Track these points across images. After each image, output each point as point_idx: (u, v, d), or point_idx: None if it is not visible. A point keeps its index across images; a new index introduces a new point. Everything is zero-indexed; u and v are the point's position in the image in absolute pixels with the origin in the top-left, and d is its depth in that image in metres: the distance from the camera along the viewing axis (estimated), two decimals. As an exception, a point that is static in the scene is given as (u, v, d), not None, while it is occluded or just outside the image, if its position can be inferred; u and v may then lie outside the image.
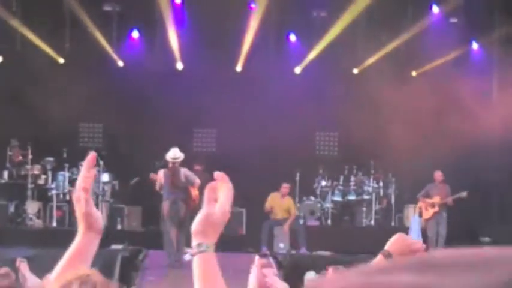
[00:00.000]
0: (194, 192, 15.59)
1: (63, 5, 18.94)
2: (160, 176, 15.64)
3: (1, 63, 19.59)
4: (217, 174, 2.37)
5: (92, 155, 2.63)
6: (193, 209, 15.24)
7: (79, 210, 2.61)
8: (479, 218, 18.53)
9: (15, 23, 19.00)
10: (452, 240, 17.18)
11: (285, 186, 18.04)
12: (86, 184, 2.60)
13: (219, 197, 2.33)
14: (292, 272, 14.85)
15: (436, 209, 17.64)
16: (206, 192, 2.33)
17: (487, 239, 18.23)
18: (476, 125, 18.72)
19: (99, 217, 2.72)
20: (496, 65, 19.84)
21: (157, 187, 15.81)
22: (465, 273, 0.81)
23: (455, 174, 17.78)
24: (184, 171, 15.69)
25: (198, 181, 15.55)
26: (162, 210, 15.80)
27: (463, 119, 18.64)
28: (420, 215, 18.11)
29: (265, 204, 17.99)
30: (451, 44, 19.52)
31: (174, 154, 15.50)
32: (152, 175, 16.04)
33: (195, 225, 2.30)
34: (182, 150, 18.58)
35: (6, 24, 18.88)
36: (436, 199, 17.65)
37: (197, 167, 17.56)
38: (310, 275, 12.43)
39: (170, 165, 15.45)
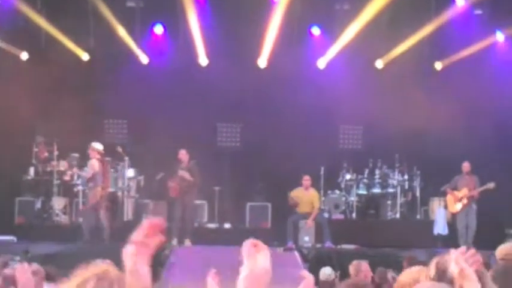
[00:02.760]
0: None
1: (87, 2, 19.01)
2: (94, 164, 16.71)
3: (26, 60, 19.71)
4: (251, 242, 2.32)
5: (152, 223, 2.43)
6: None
7: (126, 267, 2.43)
8: (507, 209, 18.41)
9: (39, 20, 19.11)
10: (480, 232, 17.11)
11: (306, 179, 18.01)
12: (141, 251, 2.41)
13: (258, 257, 2.25)
14: (317, 265, 14.86)
15: (465, 201, 17.50)
16: (246, 248, 2.26)
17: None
18: (503, 117, 18.64)
19: (144, 277, 2.51)
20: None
21: (90, 175, 16.74)
22: None
23: (483, 165, 17.66)
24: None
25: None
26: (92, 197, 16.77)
27: (490, 111, 18.57)
28: (446, 207, 18.04)
29: (290, 200, 18.00)
30: (476, 35, 19.38)
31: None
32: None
33: (240, 282, 2.21)
34: (206, 145, 18.72)
35: (31, 21, 19.01)
36: (464, 191, 17.51)
37: (183, 155, 17.60)
38: (325, 271, 12.42)
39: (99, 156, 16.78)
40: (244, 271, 2.19)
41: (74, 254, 13.84)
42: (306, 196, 18.04)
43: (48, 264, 9.20)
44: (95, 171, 16.62)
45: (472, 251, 3.63)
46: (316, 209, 17.99)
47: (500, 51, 19.85)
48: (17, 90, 18.28)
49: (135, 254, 2.41)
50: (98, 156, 16.73)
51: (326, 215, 18.60)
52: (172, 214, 17.71)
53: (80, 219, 17.62)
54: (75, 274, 2.43)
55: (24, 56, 19.69)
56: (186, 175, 17.40)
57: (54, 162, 18.46)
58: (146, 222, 2.48)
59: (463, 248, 3.64)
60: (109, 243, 16.13)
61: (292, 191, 18.06)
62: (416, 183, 19.10)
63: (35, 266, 8.45)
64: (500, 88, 18.92)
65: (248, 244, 2.29)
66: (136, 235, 2.43)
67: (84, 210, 17.21)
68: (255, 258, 2.27)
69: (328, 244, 17.40)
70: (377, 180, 19.14)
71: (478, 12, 19.52)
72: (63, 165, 18.57)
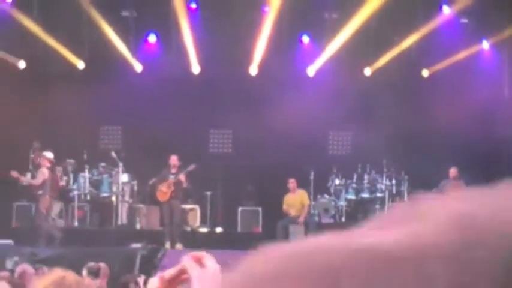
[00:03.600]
0: None
1: (82, 11, 19.00)
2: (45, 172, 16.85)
3: (24, 68, 19.67)
4: (195, 255, 2.16)
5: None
6: None
7: None
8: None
9: (36, 29, 19.08)
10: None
11: (291, 181, 18.06)
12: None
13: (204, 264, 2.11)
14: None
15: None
16: (187, 262, 2.14)
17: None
18: (490, 123, 18.67)
19: None
20: (507, 63, 19.76)
21: (40, 182, 16.74)
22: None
23: (470, 170, 17.65)
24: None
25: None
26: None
27: (476, 117, 18.58)
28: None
29: (283, 206, 18.04)
30: (463, 43, 19.47)
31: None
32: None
33: None
34: (199, 150, 18.66)
35: (28, 29, 18.97)
36: (451, 196, 17.49)
37: (174, 161, 17.53)
38: None
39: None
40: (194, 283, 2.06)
41: (70, 257, 13.75)
42: (294, 199, 18.06)
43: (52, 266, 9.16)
44: (45, 179, 16.67)
45: None
46: (307, 206, 18.01)
47: (486, 59, 19.92)
48: (14, 97, 18.25)
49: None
50: (48, 165, 16.82)
51: (316, 218, 18.58)
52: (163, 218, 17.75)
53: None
54: (34, 283, 2.40)
55: (21, 64, 19.65)
56: (182, 179, 17.39)
57: (50, 168, 18.39)
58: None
59: None
60: (102, 246, 16.09)
61: (285, 196, 18.05)
62: (404, 188, 19.06)
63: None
64: (486, 95, 18.94)
65: (188, 258, 2.15)
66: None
67: (38, 216, 17.05)
68: (202, 265, 2.15)
69: None
70: (365, 185, 19.11)
71: (464, 20, 19.58)
72: (59, 170, 18.48)
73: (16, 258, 10.44)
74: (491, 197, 0.75)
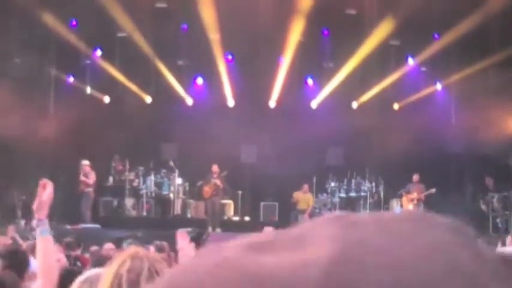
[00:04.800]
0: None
1: (150, 61, 19.28)
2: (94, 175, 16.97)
3: (108, 102, 19.93)
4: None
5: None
6: None
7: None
8: (443, 208, 18.42)
9: (117, 74, 19.38)
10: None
11: (305, 186, 18.25)
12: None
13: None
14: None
15: (415, 202, 17.58)
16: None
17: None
18: (442, 142, 18.72)
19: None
20: (453, 99, 19.84)
21: (92, 182, 16.83)
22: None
23: (428, 176, 17.72)
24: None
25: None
26: None
27: (432, 138, 18.64)
28: (401, 206, 18.07)
29: (292, 199, 18.18)
30: (422, 85, 19.55)
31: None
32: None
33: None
34: (233, 161, 18.76)
35: (111, 74, 19.27)
36: (414, 194, 17.60)
37: (215, 168, 17.55)
38: None
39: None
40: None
41: (141, 237, 13.95)
42: (303, 198, 18.20)
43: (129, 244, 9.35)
44: (94, 180, 16.95)
45: None
46: (311, 206, 18.17)
47: (439, 96, 20.01)
48: (101, 122, 18.51)
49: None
50: (89, 169, 16.97)
51: (317, 210, 18.67)
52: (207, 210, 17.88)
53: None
54: (115, 257, 2.40)
55: (106, 99, 19.95)
56: (218, 182, 17.57)
57: (126, 173, 18.56)
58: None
59: None
60: (163, 230, 16.21)
61: (295, 192, 18.21)
62: (381, 189, 19.04)
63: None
64: (439, 122, 19.05)
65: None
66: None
67: (85, 204, 17.18)
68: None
69: None
70: (353, 187, 19.11)
71: (423, 69, 19.72)
72: (132, 175, 18.67)
73: (130, 241, 10.60)
74: (386, 228, 0.54)
